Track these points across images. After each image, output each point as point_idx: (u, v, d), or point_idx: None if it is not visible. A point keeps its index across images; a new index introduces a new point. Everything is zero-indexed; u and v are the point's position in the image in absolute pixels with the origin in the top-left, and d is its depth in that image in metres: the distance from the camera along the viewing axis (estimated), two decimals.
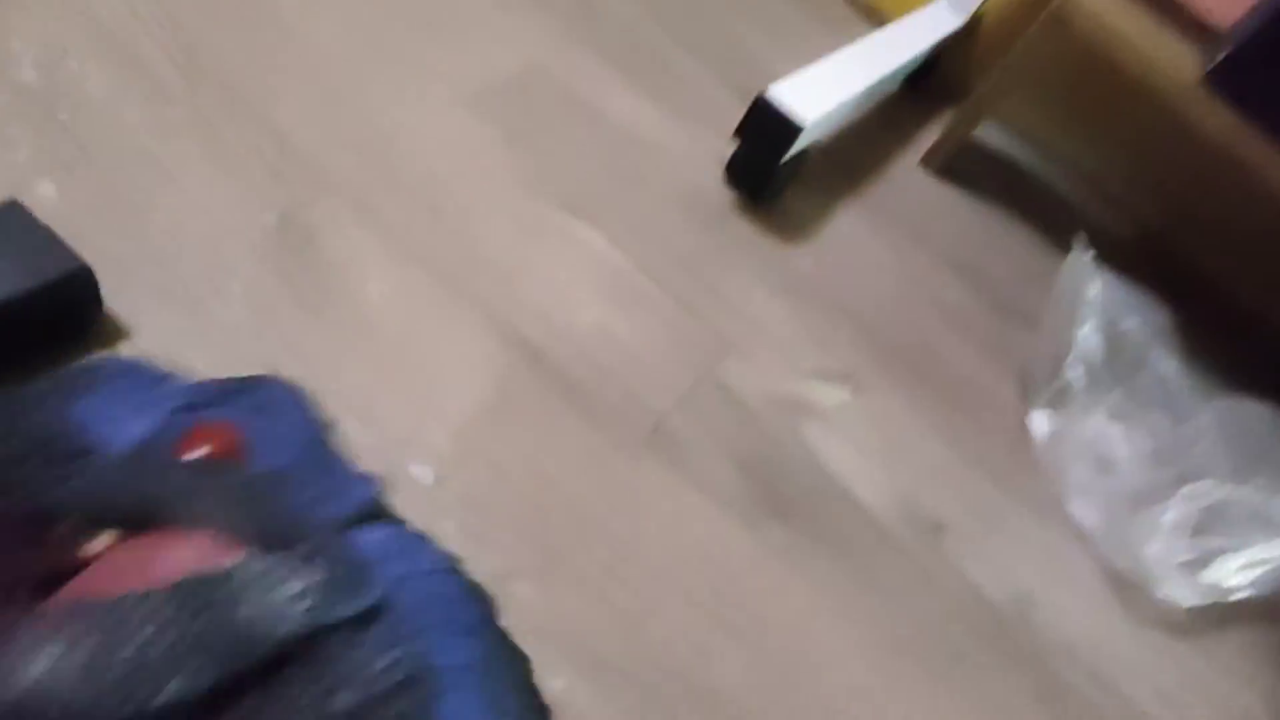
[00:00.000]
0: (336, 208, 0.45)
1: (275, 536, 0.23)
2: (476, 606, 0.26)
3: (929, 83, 0.89)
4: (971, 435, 0.56)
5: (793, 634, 0.40)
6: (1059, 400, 0.57)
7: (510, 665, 0.25)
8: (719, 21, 0.81)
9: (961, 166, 0.81)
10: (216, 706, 0.20)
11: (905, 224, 0.70)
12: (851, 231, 0.66)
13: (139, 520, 0.23)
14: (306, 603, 0.21)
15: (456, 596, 0.25)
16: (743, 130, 0.56)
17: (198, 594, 0.21)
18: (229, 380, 0.29)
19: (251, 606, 0.21)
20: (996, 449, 0.56)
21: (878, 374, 0.56)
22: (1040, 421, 0.58)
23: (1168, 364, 0.59)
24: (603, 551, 0.39)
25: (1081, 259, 0.60)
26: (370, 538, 0.25)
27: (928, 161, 0.80)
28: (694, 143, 0.64)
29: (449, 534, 0.35)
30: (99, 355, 0.28)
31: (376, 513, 0.27)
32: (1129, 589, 0.52)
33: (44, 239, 0.33)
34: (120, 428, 0.26)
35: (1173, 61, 0.67)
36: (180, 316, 0.37)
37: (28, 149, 0.39)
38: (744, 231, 0.60)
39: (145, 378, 0.28)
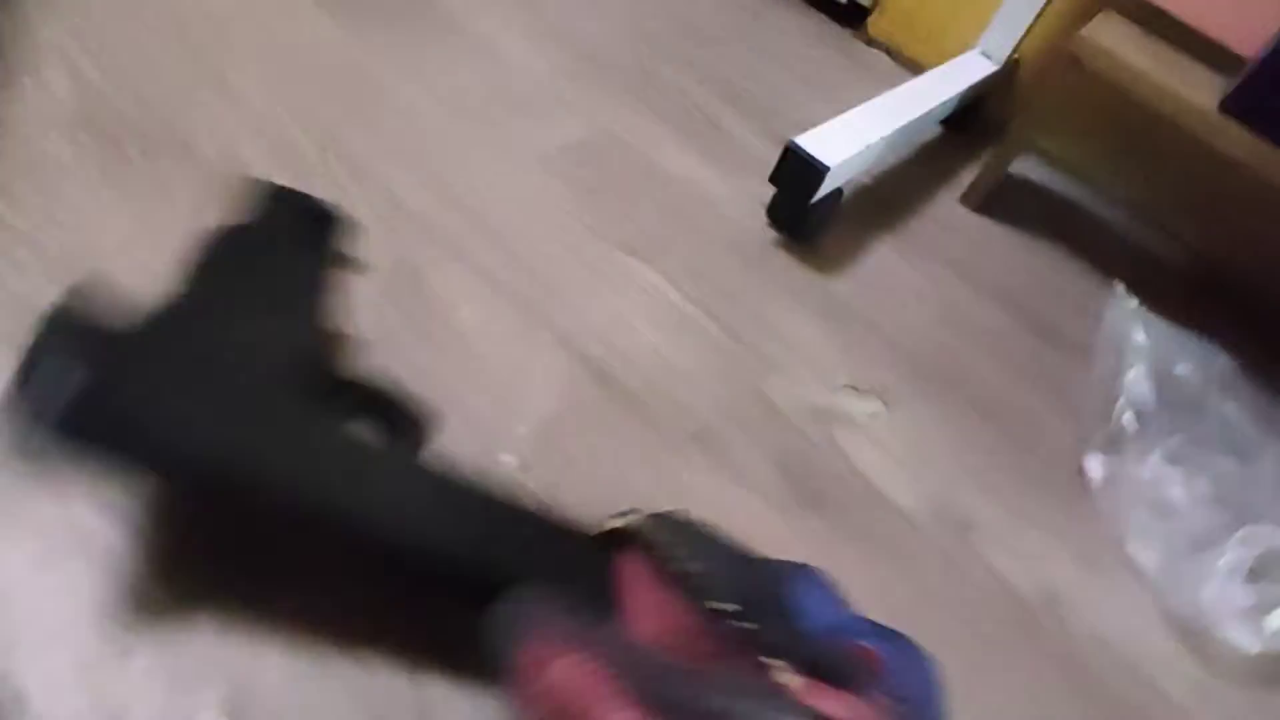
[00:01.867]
0: (439, 253, 0.55)
1: None
2: None
3: (973, 124, 0.95)
4: (1004, 447, 0.61)
5: None
6: (1114, 445, 0.59)
7: None
8: (767, 79, 0.91)
9: (1001, 202, 0.86)
10: None
11: (944, 257, 0.77)
12: (890, 263, 0.73)
13: (827, 677, 0.28)
14: None
15: None
16: (776, 176, 0.64)
17: None
18: (882, 626, 0.34)
19: None
20: (1029, 459, 0.61)
21: (911, 390, 0.62)
22: (1095, 465, 0.60)
23: (1227, 406, 0.61)
24: None
25: (1125, 304, 0.64)
26: None
27: (967, 198, 0.86)
28: (739, 190, 0.72)
29: None
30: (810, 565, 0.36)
31: None
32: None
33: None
34: (823, 612, 0.32)
35: (1193, 89, 0.72)
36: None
37: (214, 212, 0.51)
38: (785, 265, 0.67)
39: (835, 592, 0.34)
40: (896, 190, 0.83)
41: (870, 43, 1.08)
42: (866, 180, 0.81)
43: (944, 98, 0.79)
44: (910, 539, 0.52)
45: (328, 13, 0.71)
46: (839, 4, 1.07)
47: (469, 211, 0.59)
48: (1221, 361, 0.65)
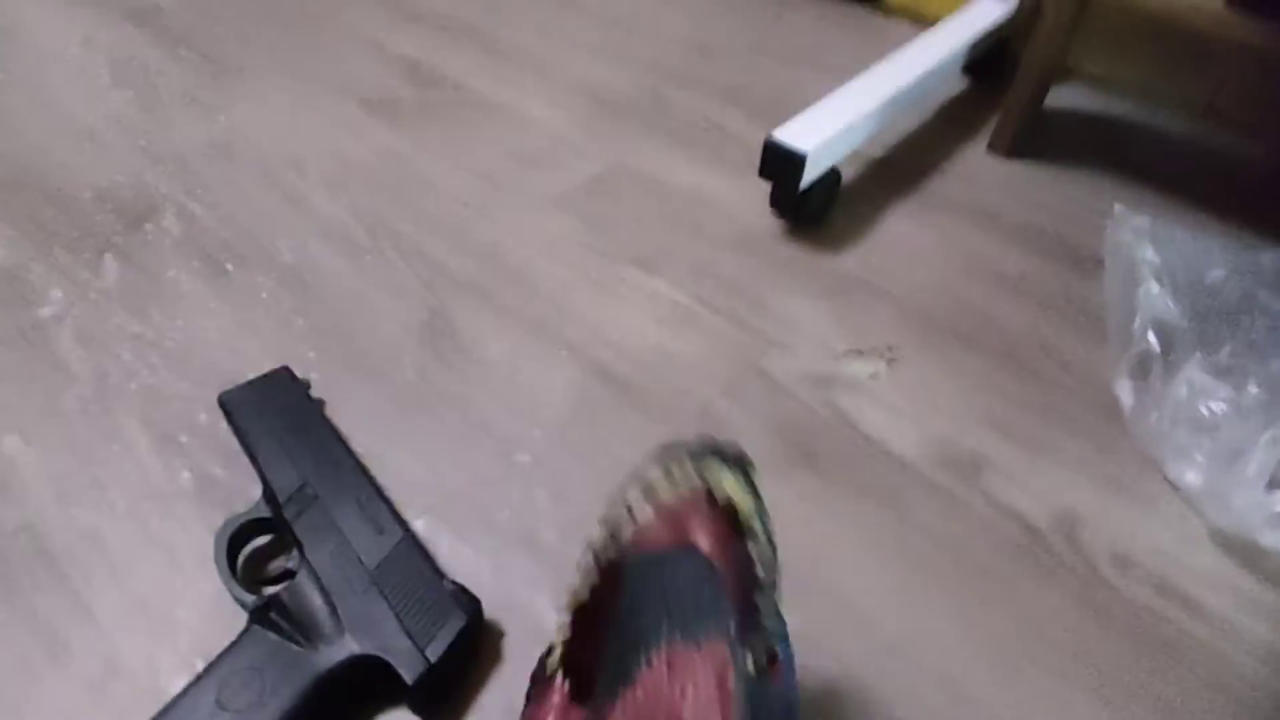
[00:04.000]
0: (466, 300, 0.65)
1: None
2: None
3: (999, 69, 0.94)
4: (1025, 386, 0.61)
5: (813, 556, 0.50)
6: (1140, 365, 0.58)
7: None
8: (781, 78, 0.95)
9: (1036, 141, 0.85)
10: None
11: (965, 211, 0.77)
12: (901, 230, 0.75)
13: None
14: None
15: None
16: (764, 171, 0.69)
17: None
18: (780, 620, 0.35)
19: None
20: (1054, 395, 0.61)
21: (919, 346, 0.64)
22: (1125, 390, 0.59)
23: (1262, 306, 0.58)
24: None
25: (1129, 222, 0.63)
26: None
27: (995, 145, 0.85)
28: (748, 190, 0.77)
29: (541, 499, 0.51)
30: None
31: None
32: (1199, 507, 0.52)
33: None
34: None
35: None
36: (376, 387, 0.58)
37: (290, 302, 0.64)
38: (791, 252, 0.71)
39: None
40: (913, 154, 0.84)
41: (889, 14, 1.09)
42: (878, 152, 0.83)
43: (944, 53, 0.80)
44: (911, 485, 0.54)
45: (376, 119, 0.84)
46: None
47: (494, 261, 0.69)
48: (1268, 259, 0.61)
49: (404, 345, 0.61)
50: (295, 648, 0.41)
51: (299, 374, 0.56)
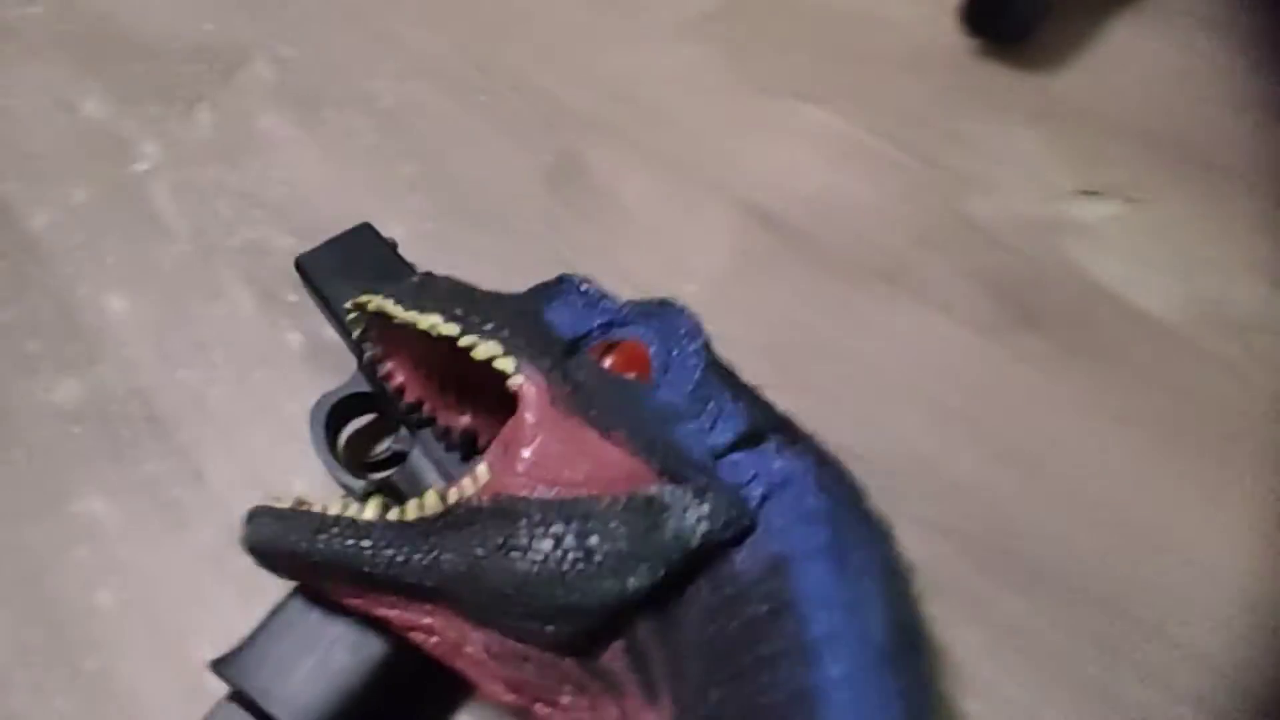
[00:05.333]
0: (595, 139, 0.55)
1: (671, 461, 0.28)
2: (828, 498, 0.28)
3: None
4: None
5: (1044, 429, 0.40)
6: None
7: (862, 544, 0.27)
8: None
9: None
10: (659, 605, 0.26)
11: (1196, 19, 0.61)
12: (1128, 44, 0.59)
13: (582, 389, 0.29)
14: (704, 527, 0.26)
15: (810, 494, 0.28)
16: None
17: (645, 511, 0.26)
18: (643, 302, 0.33)
19: (672, 526, 0.26)
20: None
21: (1165, 181, 0.50)
22: None
23: None
24: (845, 367, 0.43)
25: None
26: (740, 461, 0.29)
27: None
28: (922, 5, 0.63)
29: None
30: (564, 273, 0.35)
31: (745, 437, 0.30)
32: None
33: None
34: (567, 330, 0.32)
35: None
36: (496, 239, 0.50)
37: (395, 147, 0.56)
38: (988, 75, 0.58)
39: (591, 294, 0.34)
40: None
41: None
42: None
43: None
44: (1170, 348, 0.42)
45: None
46: None
47: (623, 96, 0.58)
48: None
49: (529, 192, 0.52)
50: None
51: (410, 229, 0.48)
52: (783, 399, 0.42)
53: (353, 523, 0.29)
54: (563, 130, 0.56)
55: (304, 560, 0.29)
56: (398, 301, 0.33)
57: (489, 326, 0.30)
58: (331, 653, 0.31)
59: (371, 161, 0.55)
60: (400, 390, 0.36)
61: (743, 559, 0.26)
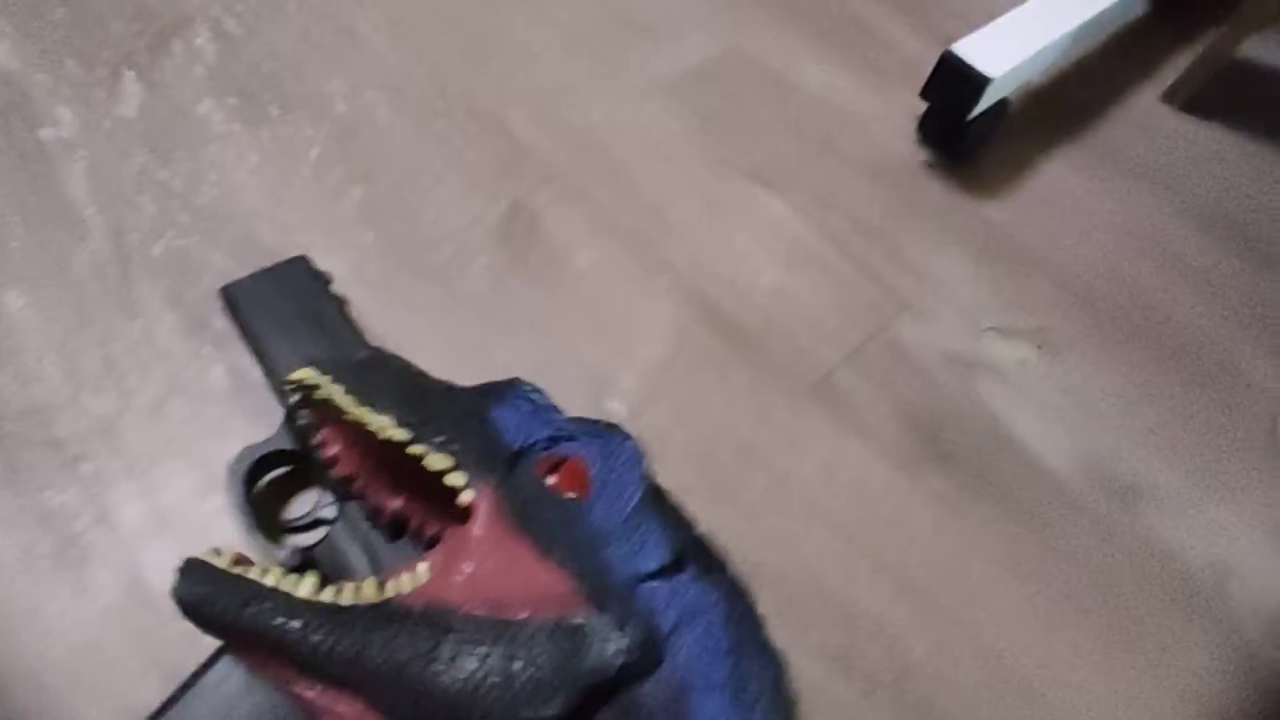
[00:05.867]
0: (554, 193, 0.54)
1: (598, 589, 0.29)
2: (734, 632, 0.31)
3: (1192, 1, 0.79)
4: (1198, 409, 0.52)
5: (943, 572, 0.43)
6: None
7: (757, 676, 0.30)
8: None
9: (1219, 99, 0.72)
10: None
11: (1135, 170, 0.65)
12: (1063, 181, 0.63)
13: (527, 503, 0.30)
14: (620, 660, 0.28)
15: (718, 627, 0.30)
16: (927, 90, 0.57)
17: (570, 638, 0.28)
18: (589, 422, 0.34)
19: (592, 656, 0.28)
20: (1223, 416, 0.52)
21: (1076, 334, 0.54)
22: None
23: None
24: (766, 482, 0.44)
25: None
26: (658, 589, 0.30)
27: (1172, 95, 0.72)
28: (887, 105, 0.65)
29: None
30: (515, 377, 0.35)
31: (666, 567, 0.31)
32: None
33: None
34: (513, 437, 0.32)
35: None
36: (439, 292, 0.49)
37: (342, 167, 0.53)
38: (935, 191, 0.60)
39: (540, 405, 0.34)
40: (1081, 89, 0.71)
41: None
42: (1041, 80, 0.70)
43: None
44: (1059, 503, 0.46)
45: None
46: None
47: (588, 147, 0.57)
48: None
49: (478, 242, 0.51)
50: None
51: (353, 268, 0.47)
52: (705, 509, 0.43)
53: (287, 599, 0.28)
54: (520, 176, 0.55)
55: (231, 626, 0.29)
56: (348, 391, 0.32)
57: (440, 439, 0.31)
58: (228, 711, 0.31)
59: (317, 176, 0.52)
60: (332, 462, 0.35)
61: (648, 687, 0.28)
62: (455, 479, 0.30)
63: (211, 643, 0.33)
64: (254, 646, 0.29)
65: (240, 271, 0.46)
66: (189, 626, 0.33)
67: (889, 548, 0.43)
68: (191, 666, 0.32)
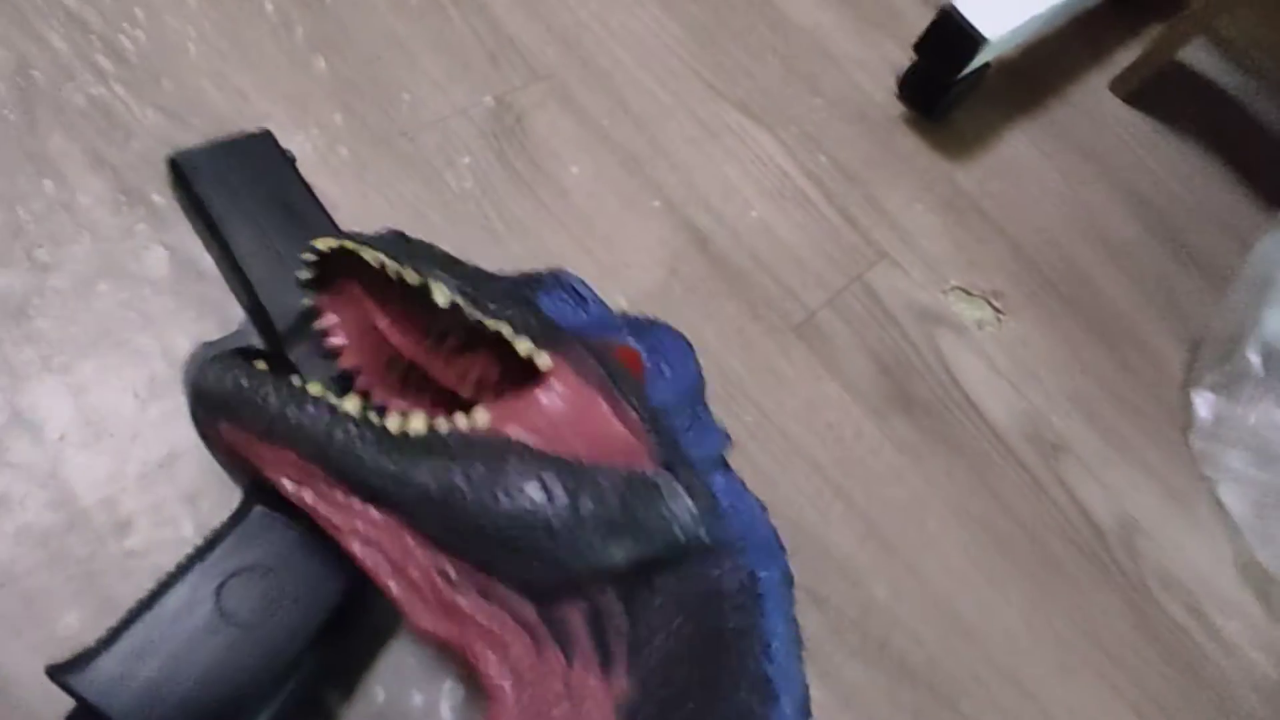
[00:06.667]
0: (540, 95, 0.51)
1: (669, 451, 0.27)
2: (777, 538, 0.30)
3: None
4: (1115, 377, 0.57)
5: (903, 517, 0.45)
6: (1229, 383, 0.55)
7: (790, 586, 0.30)
8: None
9: (1158, 94, 0.76)
10: (630, 582, 0.26)
11: (1083, 151, 0.69)
12: (1023, 153, 0.66)
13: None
14: (689, 520, 0.26)
15: (766, 527, 0.30)
16: (921, 44, 0.57)
17: (640, 488, 0.26)
18: (638, 317, 0.33)
19: (664, 511, 0.26)
20: (1133, 387, 0.57)
21: (1025, 299, 0.57)
22: (1203, 402, 0.56)
23: None
24: (752, 417, 0.45)
25: None
26: (715, 480, 0.29)
27: (1118, 85, 0.76)
28: (871, 52, 0.65)
29: None
30: (560, 267, 0.33)
31: (721, 460, 0.31)
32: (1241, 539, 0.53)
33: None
34: (575, 314, 0.31)
35: None
36: (420, 186, 0.45)
37: (304, 29, 0.47)
38: (910, 146, 0.61)
39: (587, 297, 0.33)
40: (1043, 67, 0.74)
41: None
42: (1013, 53, 0.72)
43: None
44: (998, 455, 0.50)
45: None
46: None
47: (576, 47, 0.54)
48: None
49: (462, 137, 0.47)
50: (317, 541, 0.30)
51: (317, 147, 0.42)
52: None
53: (332, 408, 0.26)
54: (508, 71, 0.51)
55: (259, 424, 0.26)
56: (392, 256, 0.28)
57: (501, 309, 0.28)
58: (188, 654, 0.28)
59: (277, 35, 0.46)
60: (336, 352, 0.32)
61: (717, 564, 0.27)
62: (523, 345, 0.27)
63: (154, 565, 0.30)
64: (281, 449, 0.27)
65: (180, 136, 0.40)
66: (122, 546, 0.29)
67: (860, 491, 0.45)
68: (128, 593, 0.28)
